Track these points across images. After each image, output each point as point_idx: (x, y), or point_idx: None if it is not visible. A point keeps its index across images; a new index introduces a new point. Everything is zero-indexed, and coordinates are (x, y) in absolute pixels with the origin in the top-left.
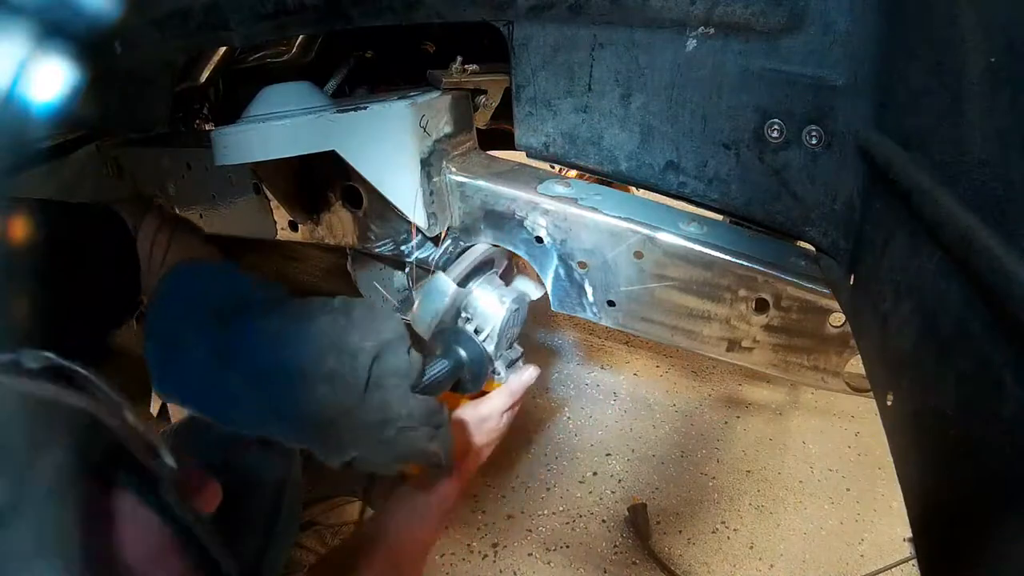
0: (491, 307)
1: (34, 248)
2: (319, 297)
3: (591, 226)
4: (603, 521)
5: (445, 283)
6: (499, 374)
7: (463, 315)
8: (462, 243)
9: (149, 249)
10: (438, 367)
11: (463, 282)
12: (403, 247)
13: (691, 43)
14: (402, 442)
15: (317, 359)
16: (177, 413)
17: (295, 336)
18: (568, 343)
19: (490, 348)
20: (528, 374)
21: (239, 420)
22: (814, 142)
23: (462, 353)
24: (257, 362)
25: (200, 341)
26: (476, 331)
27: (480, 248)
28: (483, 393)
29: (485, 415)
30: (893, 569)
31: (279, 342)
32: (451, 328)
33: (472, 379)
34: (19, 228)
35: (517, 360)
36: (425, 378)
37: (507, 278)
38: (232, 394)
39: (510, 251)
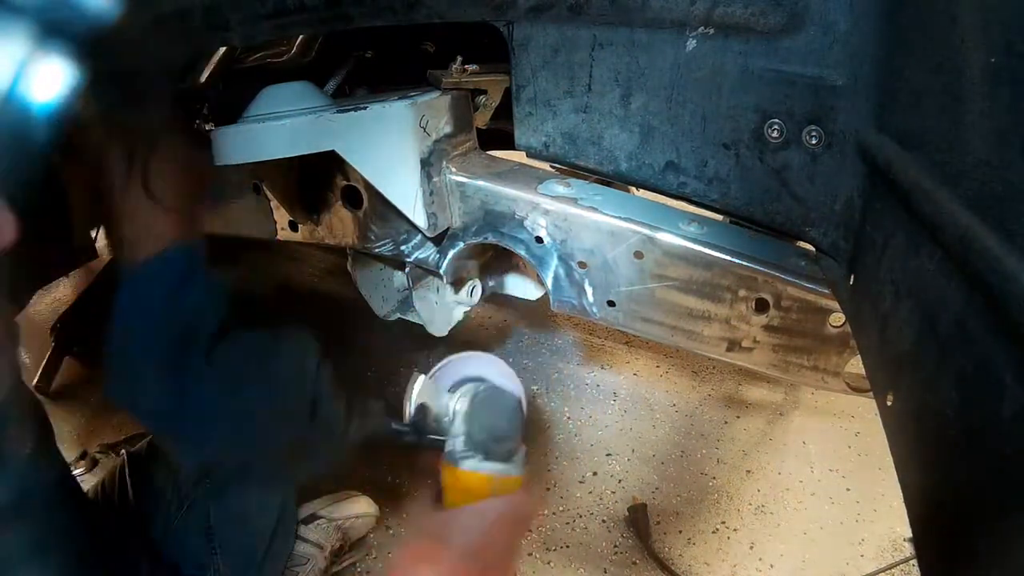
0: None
1: None
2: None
3: (591, 226)
4: (603, 521)
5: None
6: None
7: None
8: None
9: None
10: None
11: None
12: (403, 247)
13: (691, 43)
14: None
15: (268, 399)
16: None
17: (247, 376)
18: (568, 343)
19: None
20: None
21: (189, 454)
22: (814, 142)
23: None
24: (210, 409)
25: (157, 378)
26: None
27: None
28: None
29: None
30: (893, 569)
31: (232, 385)
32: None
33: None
34: None
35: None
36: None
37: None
38: (186, 435)
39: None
